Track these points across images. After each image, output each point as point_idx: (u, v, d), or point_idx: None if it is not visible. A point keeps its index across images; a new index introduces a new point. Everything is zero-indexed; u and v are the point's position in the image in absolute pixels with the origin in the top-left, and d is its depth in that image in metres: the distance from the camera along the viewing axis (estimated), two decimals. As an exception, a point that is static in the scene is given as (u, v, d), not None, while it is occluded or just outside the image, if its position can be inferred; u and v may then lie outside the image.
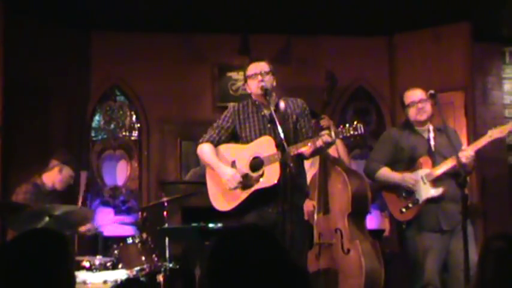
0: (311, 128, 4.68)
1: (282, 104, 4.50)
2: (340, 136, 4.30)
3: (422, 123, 4.98)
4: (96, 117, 7.41)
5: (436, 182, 4.79)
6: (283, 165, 4.19)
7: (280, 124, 4.25)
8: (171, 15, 6.90)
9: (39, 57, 6.72)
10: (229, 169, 4.48)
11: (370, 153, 5.57)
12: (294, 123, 4.51)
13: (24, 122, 6.55)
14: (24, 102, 6.56)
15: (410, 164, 4.94)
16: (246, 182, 4.43)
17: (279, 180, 4.27)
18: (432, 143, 4.95)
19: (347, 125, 4.24)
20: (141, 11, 6.81)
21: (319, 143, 4.27)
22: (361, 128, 4.20)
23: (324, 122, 5.49)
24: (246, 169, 4.45)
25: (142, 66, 7.36)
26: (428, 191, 4.80)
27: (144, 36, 7.32)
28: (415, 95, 4.99)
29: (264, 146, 4.42)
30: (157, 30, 7.28)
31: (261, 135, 4.50)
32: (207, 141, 4.62)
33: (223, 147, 4.61)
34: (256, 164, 4.43)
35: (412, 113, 4.98)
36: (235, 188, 4.43)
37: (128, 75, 7.40)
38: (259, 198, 4.41)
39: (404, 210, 4.87)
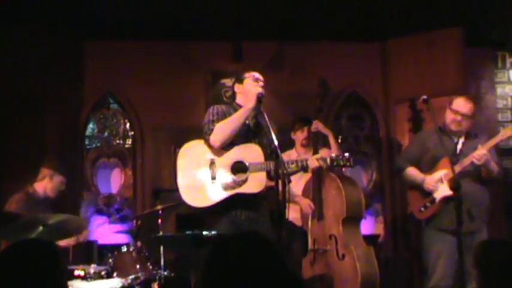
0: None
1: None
2: (334, 164, 4.45)
3: (455, 131, 5.07)
4: (90, 126, 7.40)
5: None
6: (277, 173, 4.21)
7: (265, 135, 4.31)
8: (164, 22, 6.90)
9: (32, 66, 6.70)
10: None
11: (401, 151, 5.78)
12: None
13: (18, 130, 6.53)
14: (17, 111, 6.55)
15: (432, 164, 5.05)
16: (225, 183, 4.43)
17: (263, 190, 4.31)
18: (459, 146, 5.05)
19: (339, 156, 4.45)
20: (133, 19, 6.80)
21: (312, 164, 4.42)
22: (351, 162, 4.43)
23: (314, 125, 5.55)
24: (226, 170, 4.44)
25: (136, 74, 7.35)
26: (444, 190, 4.93)
27: (136, 44, 7.31)
28: (462, 107, 5.07)
29: (250, 152, 4.43)
30: (150, 38, 7.27)
31: (242, 141, 4.50)
32: None
33: (203, 143, 4.55)
34: (239, 168, 4.42)
35: (449, 117, 5.09)
36: None
37: (121, 83, 7.39)
38: (233, 203, 4.42)
39: (422, 209, 5.07)
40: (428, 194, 5.04)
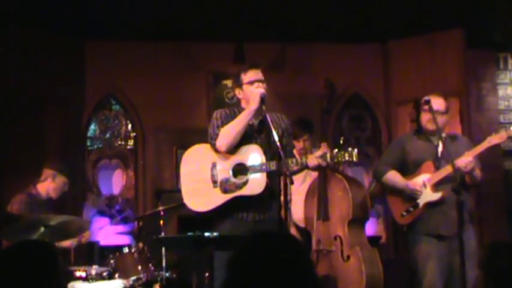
0: (294, 147, 4.75)
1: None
2: (335, 161, 4.37)
3: (431, 130, 4.97)
4: (92, 127, 7.40)
5: (437, 186, 4.81)
6: (279, 174, 4.19)
7: (267, 134, 4.29)
8: (166, 24, 6.90)
9: (34, 66, 6.70)
10: None
11: (381, 156, 5.71)
12: (279, 137, 4.49)
13: (19, 131, 6.53)
14: (19, 112, 6.55)
15: (414, 168, 4.97)
16: (226, 186, 4.42)
17: (263, 191, 4.29)
18: (440, 149, 4.95)
19: (342, 151, 4.33)
20: (135, 20, 6.81)
21: (312, 163, 4.36)
22: (355, 156, 4.28)
23: (322, 149, 5.47)
24: (227, 173, 4.43)
25: (138, 75, 7.35)
26: (427, 195, 4.85)
27: (138, 45, 7.31)
28: (435, 103, 4.95)
29: (251, 154, 4.40)
30: (152, 39, 7.27)
31: (246, 142, 4.48)
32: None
33: (205, 147, 4.55)
34: (240, 170, 4.41)
35: (424, 118, 4.97)
36: None
37: (123, 84, 7.39)
38: (236, 205, 4.39)
39: (405, 213, 4.96)
40: (409, 198, 4.94)
